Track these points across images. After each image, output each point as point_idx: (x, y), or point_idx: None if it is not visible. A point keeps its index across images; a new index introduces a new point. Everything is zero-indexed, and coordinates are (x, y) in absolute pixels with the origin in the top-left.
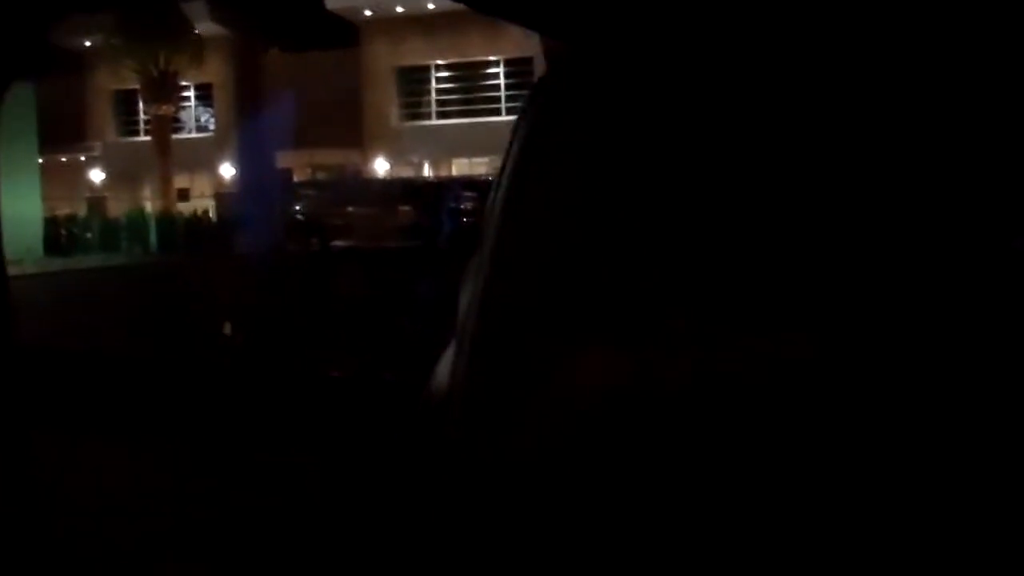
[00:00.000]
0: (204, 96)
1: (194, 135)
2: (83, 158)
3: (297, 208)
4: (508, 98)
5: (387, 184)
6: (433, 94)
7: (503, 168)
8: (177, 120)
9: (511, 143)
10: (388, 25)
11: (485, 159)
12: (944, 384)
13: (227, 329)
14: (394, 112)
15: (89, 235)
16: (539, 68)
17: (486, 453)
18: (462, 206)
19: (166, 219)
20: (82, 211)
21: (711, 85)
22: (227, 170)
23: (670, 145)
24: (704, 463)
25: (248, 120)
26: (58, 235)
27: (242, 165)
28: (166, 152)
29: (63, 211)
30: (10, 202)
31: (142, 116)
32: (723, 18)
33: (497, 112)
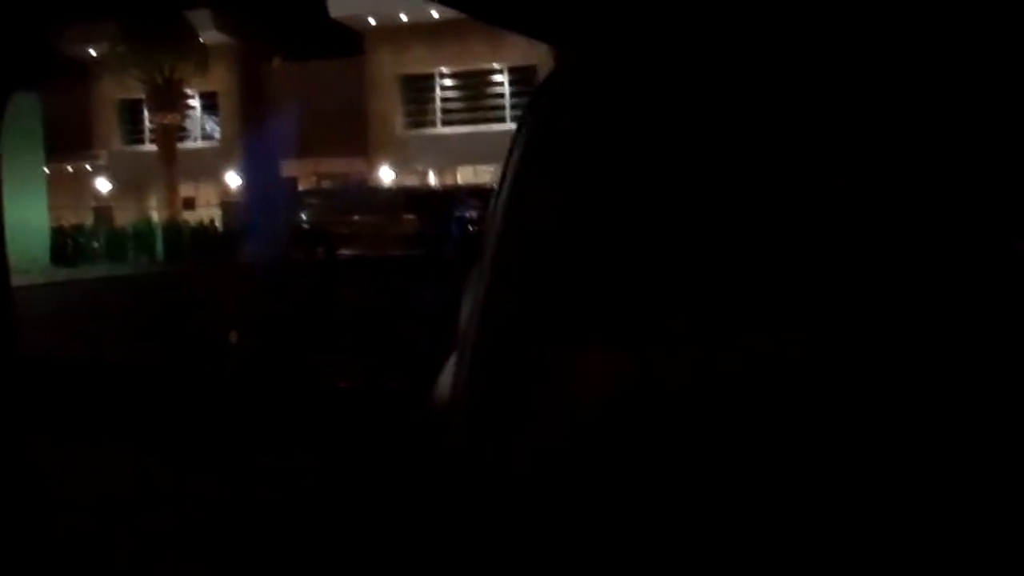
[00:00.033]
0: (209, 105)
1: (200, 144)
2: (89, 167)
3: (302, 217)
4: (512, 106)
5: (392, 193)
6: (437, 102)
7: (504, 175)
8: (182, 129)
9: (511, 150)
10: (392, 33)
11: (490, 167)
12: (945, 384)
13: (233, 337)
14: (398, 120)
15: (95, 244)
16: (543, 76)
17: (487, 461)
18: (467, 214)
19: (172, 228)
20: (88, 220)
21: (710, 86)
22: (233, 179)
23: (669, 148)
24: (708, 466)
25: (253, 129)
26: (64, 244)
27: (248, 174)
28: (172, 161)
29: (69, 220)
30: (16, 211)
31: (147, 125)
32: (721, 23)
33: (501, 120)
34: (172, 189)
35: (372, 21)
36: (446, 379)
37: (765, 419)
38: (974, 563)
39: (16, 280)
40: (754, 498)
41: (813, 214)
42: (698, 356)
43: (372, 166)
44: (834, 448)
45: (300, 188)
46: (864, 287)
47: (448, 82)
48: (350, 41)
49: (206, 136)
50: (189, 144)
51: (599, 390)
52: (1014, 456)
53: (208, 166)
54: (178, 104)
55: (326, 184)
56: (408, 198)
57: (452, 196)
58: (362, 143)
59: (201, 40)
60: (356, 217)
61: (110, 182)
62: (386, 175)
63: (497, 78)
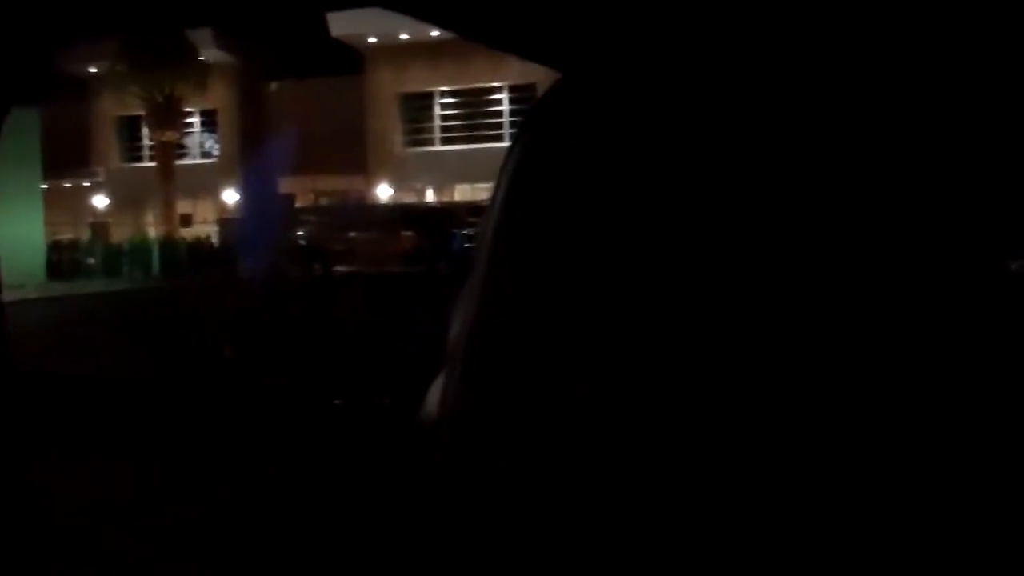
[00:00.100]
0: (208, 122)
1: (198, 161)
2: (87, 184)
3: (300, 233)
4: (511, 124)
5: (390, 210)
6: (436, 120)
7: (495, 193)
8: (181, 146)
9: (503, 169)
10: (392, 52)
11: (488, 185)
12: (929, 404)
13: (228, 352)
14: (397, 138)
15: (92, 260)
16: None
17: (474, 477)
18: (465, 232)
19: (169, 244)
20: (85, 236)
21: (701, 109)
22: (230, 196)
23: (660, 170)
24: (688, 486)
25: (252, 146)
26: (61, 260)
27: (246, 191)
28: (170, 178)
29: (66, 236)
30: (13, 227)
31: (146, 142)
32: (712, 45)
33: (500, 138)
34: (169, 206)
35: (372, 40)
36: (435, 396)
37: (732, 441)
38: None
39: (11, 295)
40: (732, 516)
41: (796, 249)
42: (672, 384)
43: (370, 183)
44: (795, 469)
45: (298, 205)
46: (852, 310)
47: (447, 100)
48: (350, 59)
49: (205, 153)
50: (188, 161)
51: (585, 411)
52: (986, 477)
53: (206, 183)
54: (177, 121)
55: (324, 201)
56: (406, 215)
57: (450, 213)
58: (361, 161)
59: (201, 58)
60: (353, 234)
61: (108, 198)
62: (384, 192)
63: (496, 96)
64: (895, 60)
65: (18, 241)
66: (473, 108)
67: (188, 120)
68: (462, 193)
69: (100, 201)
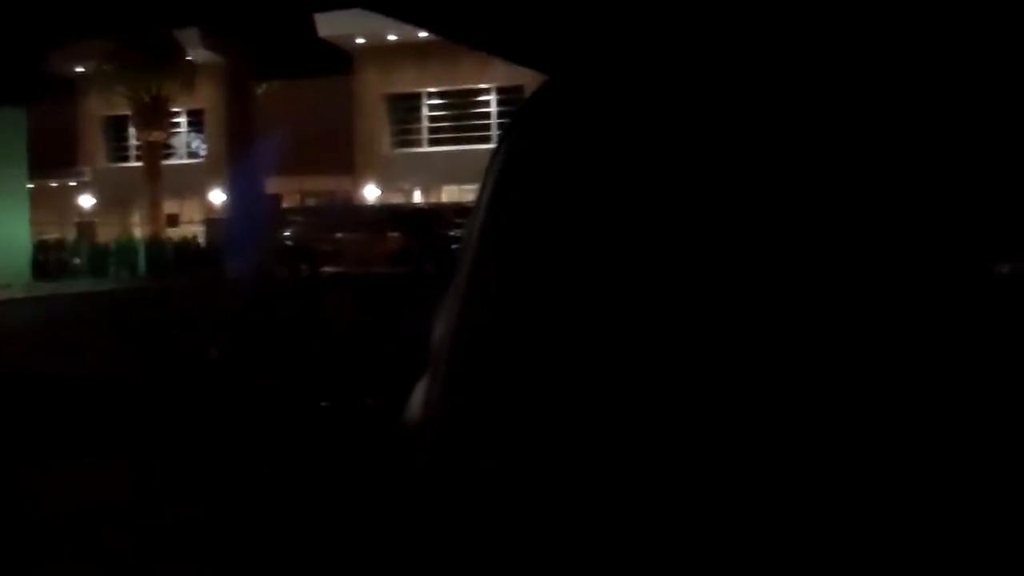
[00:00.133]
0: (195, 122)
1: (185, 161)
2: (73, 183)
3: (287, 234)
4: (499, 126)
5: (377, 211)
6: (424, 121)
7: (481, 195)
8: (168, 146)
9: (488, 170)
10: (380, 53)
11: (476, 186)
12: (913, 411)
13: (213, 353)
14: (385, 139)
15: (78, 260)
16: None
17: (458, 479)
18: (452, 233)
19: (155, 245)
20: (71, 236)
21: (688, 114)
22: (217, 196)
23: (646, 173)
24: (676, 489)
25: (239, 146)
26: (47, 260)
27: (232, 191)
28: (156, 178)
29: (52, 236)
30: None
31: (133, 142)
32: (700, 49)
33: (488, 140)
34: (156, 206)
35: (360, 40)
36: (418, 397)
37: (717, 445)
38: None
39: None
40: (709, 513)
41: (781, 255)
42: (662, 384)
43: (357, 184)
44: (782, 475)
45: (285, 205)
46: (837, 314)
47: (435, 101)
48: (338, 60)
49: (192, 153)
50: (174, 161)
51: (571, 413)
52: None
53: (193, 183)
54: (164, 121)
55: (311, 202)
56: (393, 216)
57: (437, 215)
58: (348, 161)
59: (188, 58)
60: (340, 235)
61: (94, 198)
62: (371, 193)
63: (484, 98)
64: (880, 61)
65: (3, 241)
66: (461, 109)
67: (175, 120)
68: (450, 194)
69: (86, 201)
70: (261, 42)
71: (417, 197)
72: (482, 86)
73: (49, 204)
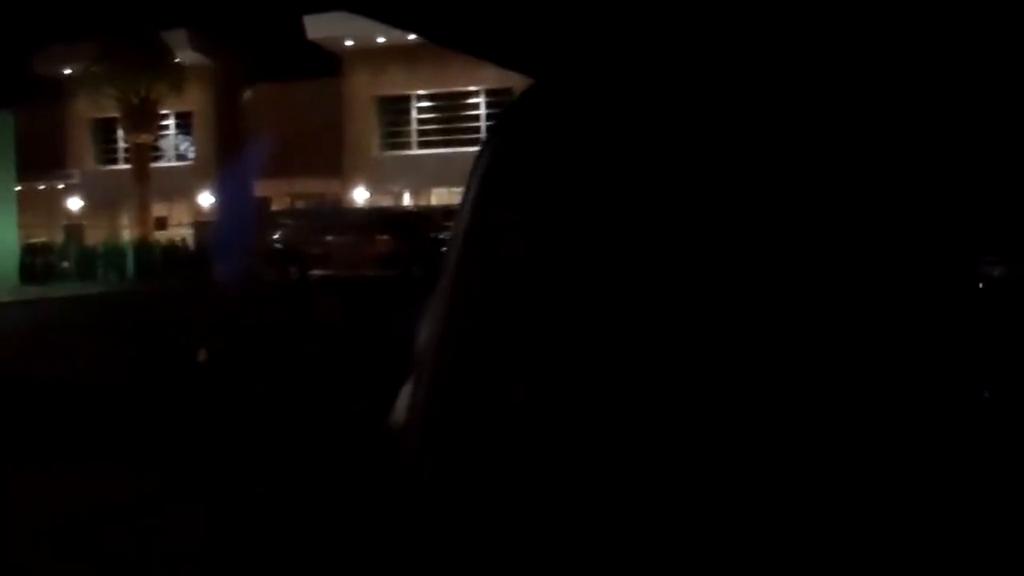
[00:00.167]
0: (184, 125)
1: (173, 163)
2: (62, 186)
3: (275, 237)
4: (489, 128)
5: (366, 213)
6: (414, 124)
7: (466, 197)
8: (156, 148)
9: (473, 172)
10: (369, 55)
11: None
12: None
13: (201, 356)
14: (374, 141)
15: (66, 263)
16: None
17: (442, 485)
18: (441, 236)
19: (144, 247)
20: (60, 239)
21: (671, 118)
22: (206, 199)
23: (632, 175)
24: (662, 492)
25: (228, 149)
26: (34, 263)
27: (221, 194)
28: (145, 180)
29: (40, 239)
30: None
31: (121, 144)
32: (685, 54)
33: (477, 142)
34: (144, 208)
35: (349, 43)
36: (403, 401)
37: (703, 449)
38: None
39: None
40: (692, 516)
41: (767, 255)
42: (650, 388)
43: (347, 187)
44: (769, 478)
45: (274, 208)
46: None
47: (424, 104)
48: (327, 62)
49: (180, 156)
50: (163, 164)
51: (553, 413)
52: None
53: (181, 186)
54: (152, 124)
55: (300, 204)
56: (382, 219)
57: (426, 217)
58: (337, 164)
59: (177, 60)
60: (329, 237)
61: (82, 201)
62: (360, 196)
63: (474, 100)
64: (864, 63)
65: None
66: (450, 112)
67: (163, 123)
68: (439, 197)
69: (74, 203)
70: (250, 44)
71: (406, 200)
72: (471, 88)
73: (37, 207)
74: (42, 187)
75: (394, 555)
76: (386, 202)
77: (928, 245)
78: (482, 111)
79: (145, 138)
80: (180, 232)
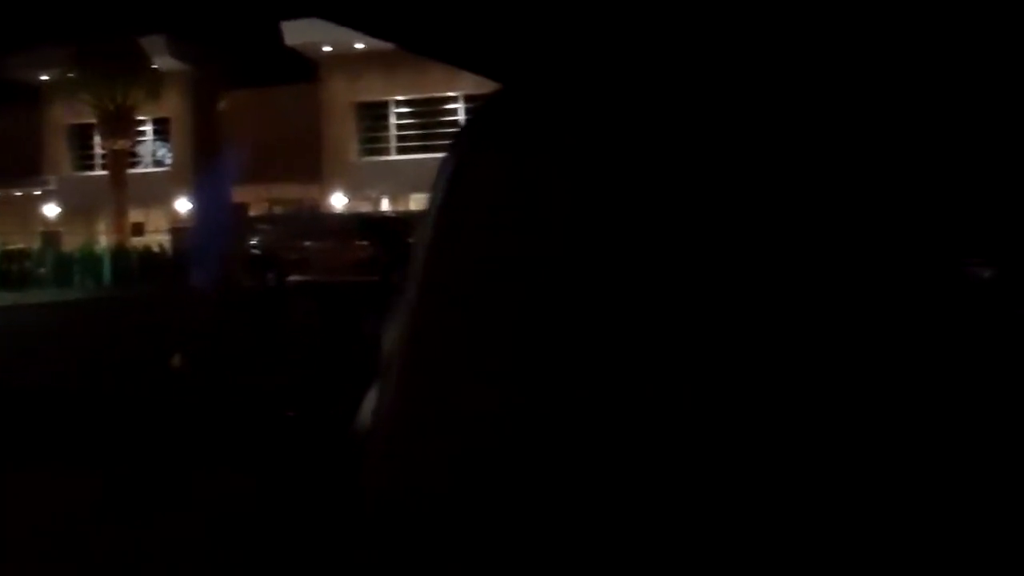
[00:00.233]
0: (161, 131)
1: (151, 169)
2: (38, 192)
3: (253, 243)
4: None
5: (344, 219)
6: (392, 129)
7: (431, 201)
8: (133, 154)
9: (439, 176)
10: (347, 61)
11: None
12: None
13: (176, 362)
14: (352, 147)
15: (42, 270)
16: None
17: (406, 488)
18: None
19: (121, 254)
20: (36, 246)
21: (635, 127)
22: (183, 205)
23: (596, 181)
24: (634, 497)
25: (205, 155)
26: (10, 270)
27: (198, 200)
28: (122, 186)
29: (16, 246)
30: None
31: (98, 150)
32: (650, 62)
33: None
34: (122, 214)
35: (327, 49)
36: (368, 406)
37: (671, 458)
38: None
39: None
40: (665, 524)
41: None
42: (618, 392)
43: (325, 192)
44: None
45: (252, 214)
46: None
47: (403, 110)
48: (305, 68)
49: (157, 162)
50: (140, 170)
51: (519, 417)
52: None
53: (159, 192)
54: (130, 130)
55: (278, 210)
56: (361, 225)
57: (405, 223)
58: (315, 169)
59: (154, 66)
60: (308, 243)
61: (59, 207)
62: (339, 202)
63: (452, 106)
64: (841, 66)
65: None
66: (429, 118)
67: (140, 128)
68: (418, 202)
69: (51, 210)
70: (228, 50)
71: (385, 205)
72: (450, 94)
73: (13, 213)
74: (18, 193)
75: (356, 559)
76: (365, 208)
77: (916, 246)
78: (461, 117)
79: (122, 144)
80: (158, 238)
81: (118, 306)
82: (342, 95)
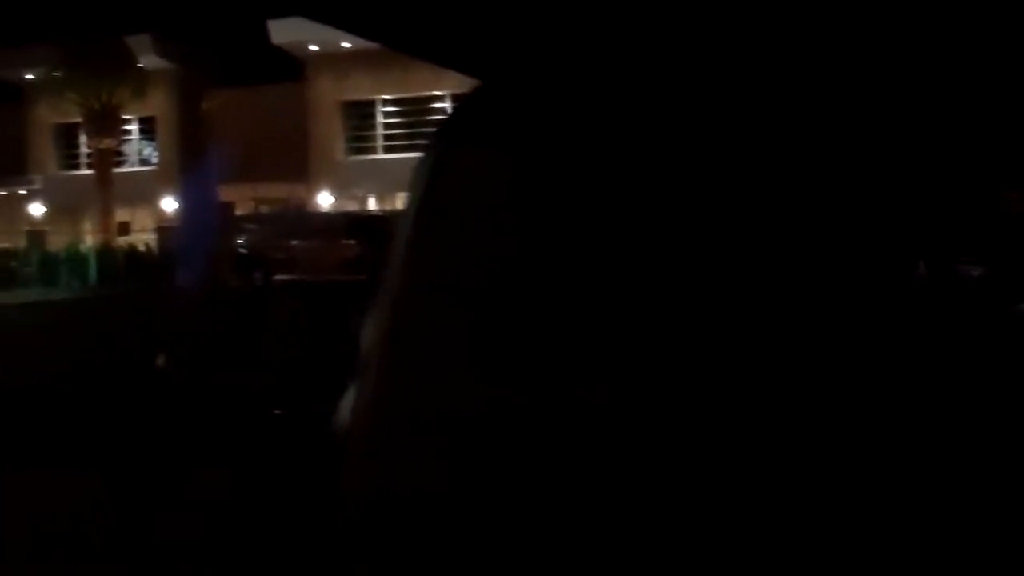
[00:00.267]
0: (147, 129)
1: (136, 168)
2: (23, 191)
3: (240, 242)
4: None
5: (331, 218)
6: (379, 128)
7: (411, 199)
8: (119, 154)
9: (418, 173)
10: (334, 60)
11: None
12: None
13: (160, 361)
14: (339, 146)
15: (28, 269)
16: None
17: (386, 485)
18: None
19: (107, 253)
20: (22, 245)
21: (611, 124)
22: (169, 204)
23: (571, 180)
24: (615, 495)
25: (191, 154)
26: None
27: (184, 199)
28: (108, 186)
29: (2, 245)
30: None
31: (84, 149)
32: (628, 61)
33: None
34: (108, 214)
35: (314, 48)
36: (346, 404)
37: (647, 451)
38: None
39: None
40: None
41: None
42: (594, 389)
43: (312, 191)
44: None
45: (239, 213)
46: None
47: (390, 108)
48: (291, 67)
49: (143, 161)
50: (126, 169)
51: (497, 413)
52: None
53: (145, 191)
54: (115, 129)
55: (265, 209)
56: (347, 224)
57: (392, 221)
58: (302, 168)
59: (140, 65)
60: (294, 242)
61: (45, 206)
62: (326, 200)
63: (439, 105)
64: (801, 67)
65: None
66: (416, 116)
67: (126, 127)
68: (404, 201)
69: (37, 209)
70: (214, 49)
71: (372, 204)
72: (437, 93)
73: None
74: (3, 193)
75: (337, 560)
76: (352, 207)
77: (906, 245)
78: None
79: (108, 143)
80: (144, 237)
81: (104, 305)
82: (329, 94)
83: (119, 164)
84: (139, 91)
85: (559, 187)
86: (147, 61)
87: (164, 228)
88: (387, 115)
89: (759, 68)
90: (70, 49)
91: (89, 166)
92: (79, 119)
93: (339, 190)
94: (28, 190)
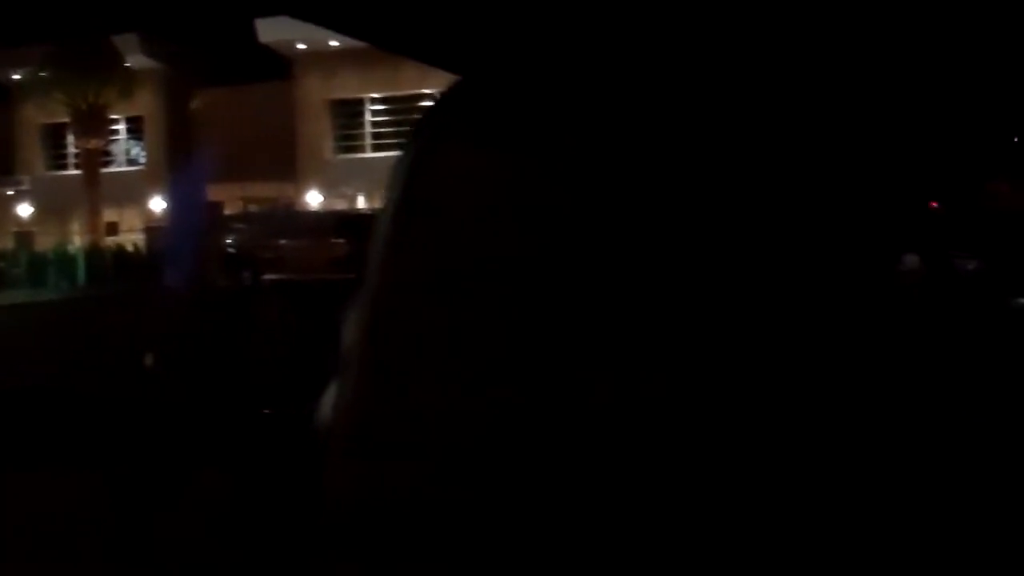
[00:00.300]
0: (134, 129)
1: (124, 168)
2: (10, 192)
3: (229, 241)
4: None
5: (320, 217)
6: (367, 127)
7: (389, 195)
8: (107, 153)
9: (397, 169)
10: (322, 59)
11: None
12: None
13: (148, 360)
14: (327, 144)
15: (16, 270)
16: None
17: (367, 486)
18: None
19: (95, 253)
20: (9, 246)
21: (592, 121)
22: (157, 204)
23: (551, 177)
24: (602, 496)
25: (179, 153)
26: None
27: (172, 199)
28: (95, 186)
29: None
30: None
31: (71, 150)
32: (609, 59)
33: None
34: (95, 214)
35: (301, 46)
36: (327, 403)
37: (631, 452)
38: None
39: None
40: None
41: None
42: (581, 388)
43: (300, 190)
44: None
45: (227, 212)
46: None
47: (378, 107)
48: (279, 66)
49: (131, 161)
50: (114, 169)
51: (480, 412)
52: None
53: (133, 191)
54: (103, 129)
55: (253, 208)
56: (336, 222)
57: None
58: (290, 167)
59: (127, 64)
60: (283, 241)
61: (32, 207)
62: (314, 199)
63: (427, 103)
64: (777, 65)
65: None
66: (404, 115)
67: (114, 127)
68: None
69: (24, 210)
70: (201, 48)
71: (361, 203)
72: (425, 91)
73: None
74: None
75: (319, 560)
76: (340, 205)
77: (896, 242)
78: None
79: (95, 143)
80: (132, 237)
81: (92, 306)
82: (316, 93)
83: (107, 164)
84: (126, 91)
85: (543, 183)
86: (134, 60)
87: (152, 228)
88: (375, 113)
89: (748, 57)
90: (57, 49)
91: (77, 166)
92: (66, 119)
93: (328, 189)
94: (15, 191)
